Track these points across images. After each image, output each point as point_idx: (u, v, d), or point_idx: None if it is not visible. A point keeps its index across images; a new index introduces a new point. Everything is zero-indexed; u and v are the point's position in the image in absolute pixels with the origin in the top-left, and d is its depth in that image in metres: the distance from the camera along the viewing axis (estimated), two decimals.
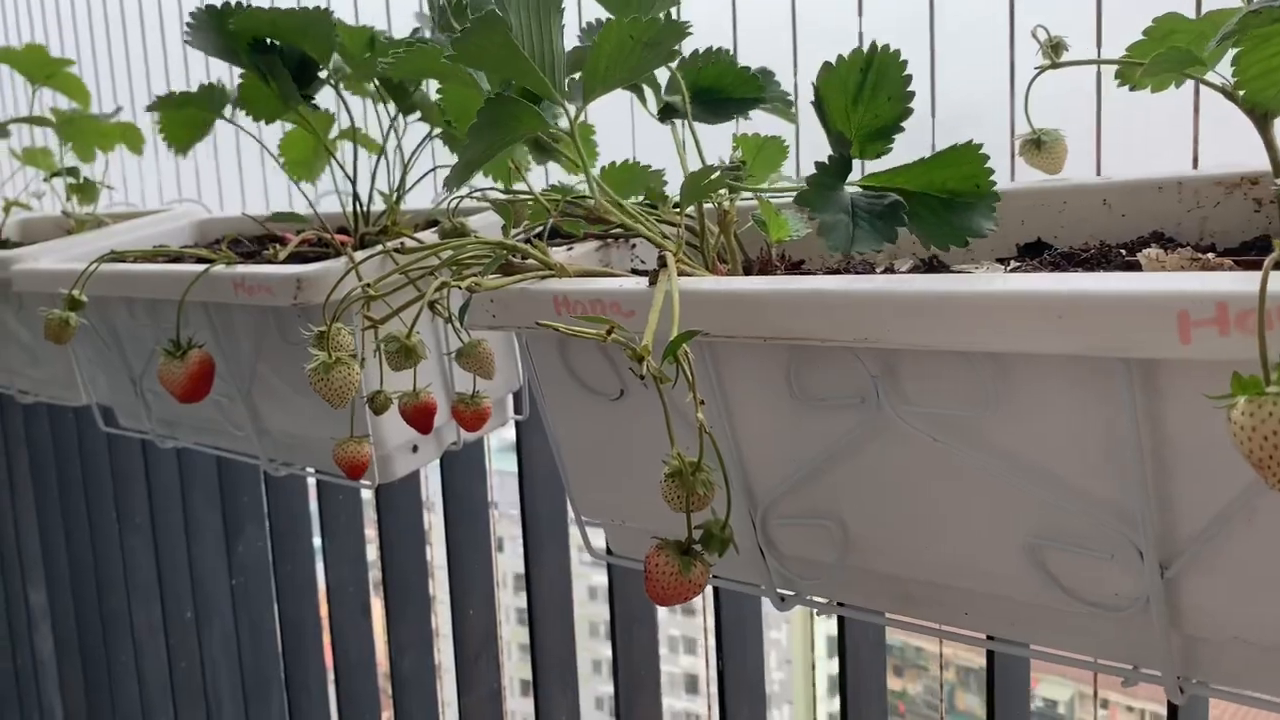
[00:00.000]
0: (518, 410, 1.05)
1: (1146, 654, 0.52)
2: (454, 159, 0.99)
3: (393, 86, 0.91)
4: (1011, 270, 0.61)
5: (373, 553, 1.43)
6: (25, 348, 1.31)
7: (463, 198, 0.85)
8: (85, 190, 1.38)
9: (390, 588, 1.26)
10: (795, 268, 0.71)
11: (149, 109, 0.91)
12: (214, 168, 1.59)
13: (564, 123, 0.60)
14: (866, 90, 0.53)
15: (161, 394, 1.10)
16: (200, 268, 0.88)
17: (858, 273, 0.67)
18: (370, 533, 1.45)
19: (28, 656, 2.13)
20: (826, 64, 0.54)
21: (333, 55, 0.84)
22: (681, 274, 0.58)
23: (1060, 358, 0.47)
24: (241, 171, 1.54)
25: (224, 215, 1.29)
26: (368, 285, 0.68)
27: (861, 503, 0.57)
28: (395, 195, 0.92)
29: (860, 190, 0.55)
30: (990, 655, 0.84)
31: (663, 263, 0.58)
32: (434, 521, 1.40)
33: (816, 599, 0.65)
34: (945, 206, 0.53)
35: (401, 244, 0.70)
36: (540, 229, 0.71)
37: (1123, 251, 0.59)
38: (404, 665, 1.28)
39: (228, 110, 0.93)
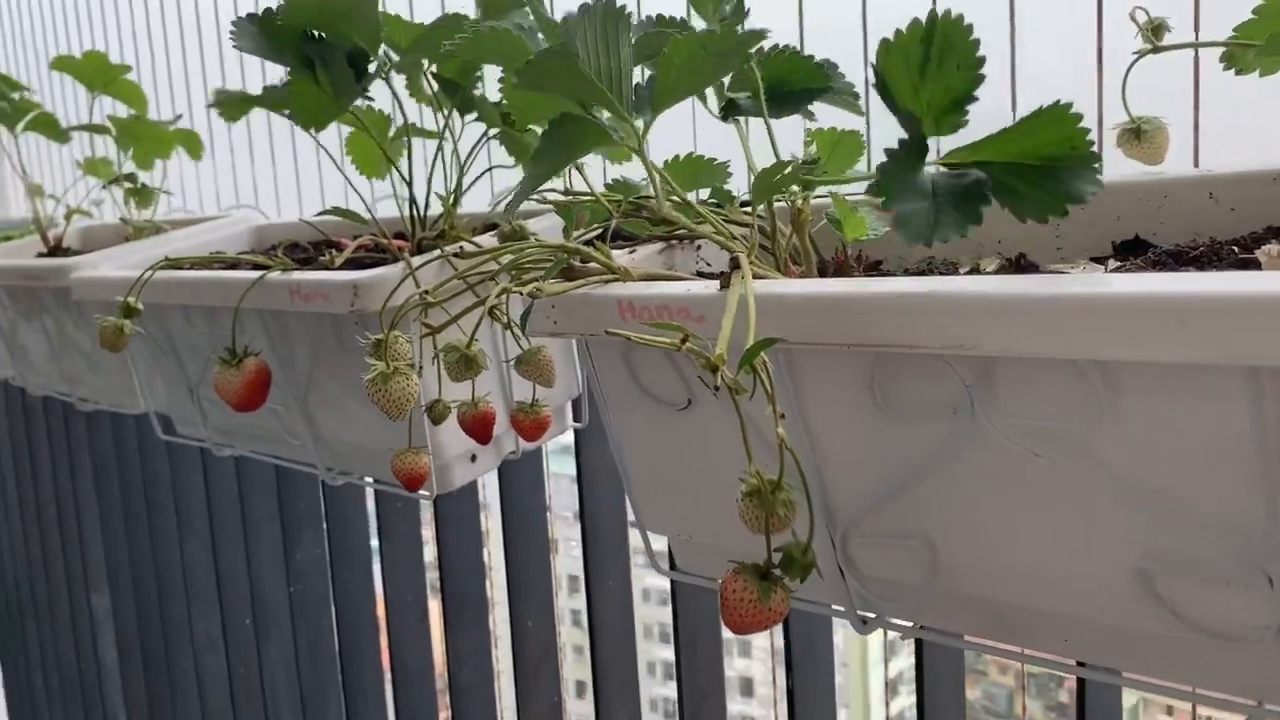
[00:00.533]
0: (576, 417, 1.02)
1: (1272, 687, 0.48)
2: (511, 159, 0.97)
3: (448, 84, 0.89)
4: (1113, 270, 0.57)
5: (430, 553, 1.41)
6: (84, 355, 1.31)
7: (520, 201, 0.82)
8: (143, 196, 1.38)
9: (448, 595, 1.24)
10: (874, 268, 0.67)
11: (210, 106, 0.89)
12: (271, 173, 1.59)
13: (632, 140, 0.57)
14: (932, 62, 0.49)
15: (218, 402, 1.09)
16: (256, 274, 0.86)
17: (941, 274, 0.63)
18: (427, 533, 1.43)
19: (91, 660, 2.15)
20: (885, 41, 0.50)
21: (380, 44, 0.81)
22: (755, 277, 0.55)
23: (1179, 364, 0.43)
24: (298, 176, 1.53)
25: (281, 221, 1.27)
26: (426, 292, 0.65)
27: (952, 521, 0.53)
28: (452, 198, 0.90)
29: (939, 170, 0.51)
30: (1081, 682, 0.79)
31: (735, 265, 0.55)
32: (490, 525, 1.37)
33: (899, 622, 0.61)
34: (1041, 174, 0.49)
35: (460, 248, 0.68)
36: (601, 230, 0.68)
37: (1235, 249, 0.54)
38: (462, 675, 1.25)
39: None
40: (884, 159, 0.49)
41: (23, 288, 1.31)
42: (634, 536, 1.10)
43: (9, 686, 2.59)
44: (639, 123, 0.56)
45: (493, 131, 0.92)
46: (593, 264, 0.64)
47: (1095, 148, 0.48)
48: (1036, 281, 0.45)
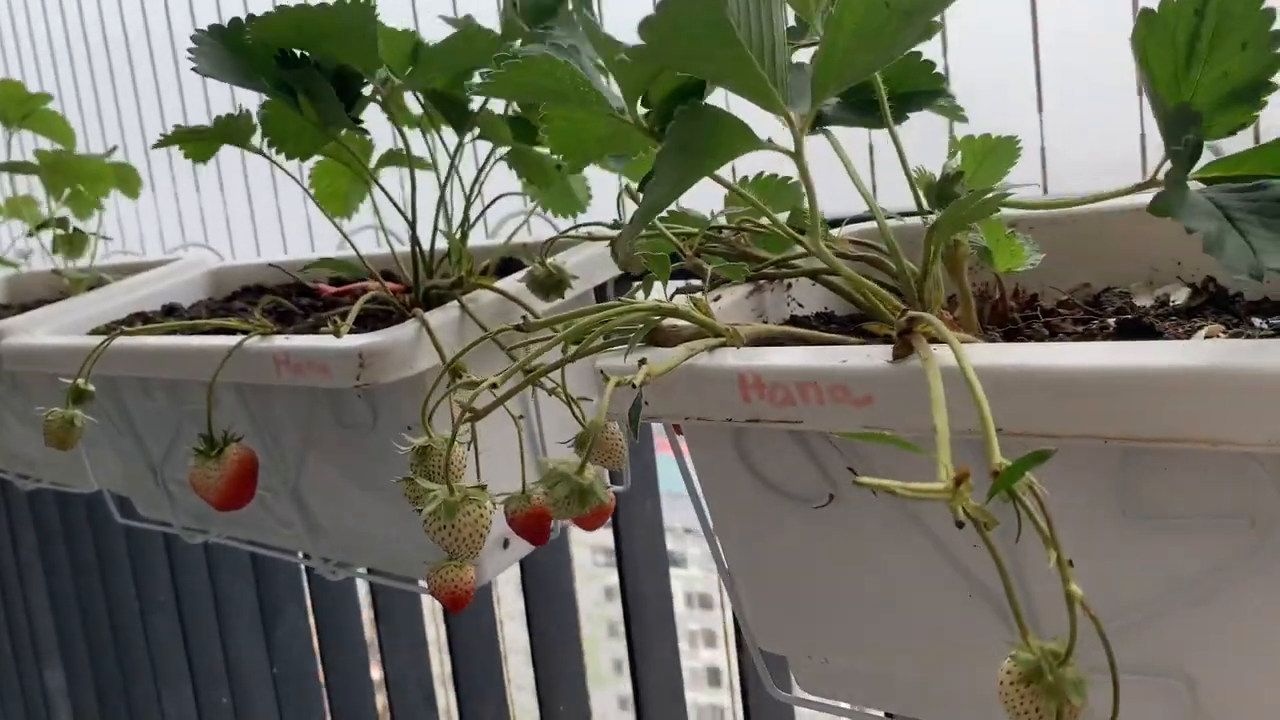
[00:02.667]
0: (614, 480, 0.88)
1: None
2: (522, 184, 0.82)
3: (445, 101, 0.74)
4: None
5: (432, 631, 1.26)
6: (22, 424, 1.13)
7: (557, 238, 0.68)
8: (75, 243, 1.20)
9: (462, 679, 1.09)
10: (1029, 305, 0.53)
11: (157, 146, 0.73)
12: (221, 206, 1.42)
13: (788, 142, 0.43)
14: (1204, 40, 0.36)
15: (187, 484, 0.93)
16: (230, 341, 0.71)
17: (1125, 313, 0.50)
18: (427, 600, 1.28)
19: None
20: (1146, 13, 0.37)
21: (379, 65, 0.66)
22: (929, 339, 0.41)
23: None
24: (252, 208, 1.36)
25: (240, 263, 1.11)
26: (466, 374, 0.51)
27: (1223, 655, 0.40)
28: (460, 233, 0.75)
29: (1207, 185, 0.38)
30: None
31: (910, 325, 0.41)
32: (500, 595, 1.23)
33: None
34: None
35: (524, 319, 0.53)
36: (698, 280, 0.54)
37: None
38: None
39: (255, 139, 0.76)
40: (1163, 162, 0.35)
41: None
42: (680, 609, 0.97)
43: None
44: (797, 117, 0.42)
45: (501, 152, 0.78)
46: (684, 323, 0.50)
47: None
48: None
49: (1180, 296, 0.52)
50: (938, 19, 0.38)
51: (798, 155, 0.43)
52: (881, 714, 0.57)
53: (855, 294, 0.51)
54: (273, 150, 0.68)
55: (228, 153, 1.30)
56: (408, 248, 0.82)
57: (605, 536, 1.04)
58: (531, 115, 0.71)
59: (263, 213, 1.34)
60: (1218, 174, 0.38)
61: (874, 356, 0.42)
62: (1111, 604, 0.41)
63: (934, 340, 0.41)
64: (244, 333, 0.72)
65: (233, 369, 0.71)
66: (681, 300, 0.49)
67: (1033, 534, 0.34)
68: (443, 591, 0.58)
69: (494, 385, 0.48)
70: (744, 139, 0.41)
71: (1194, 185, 0.37)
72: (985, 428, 0.33)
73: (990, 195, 0.40)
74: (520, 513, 0.58)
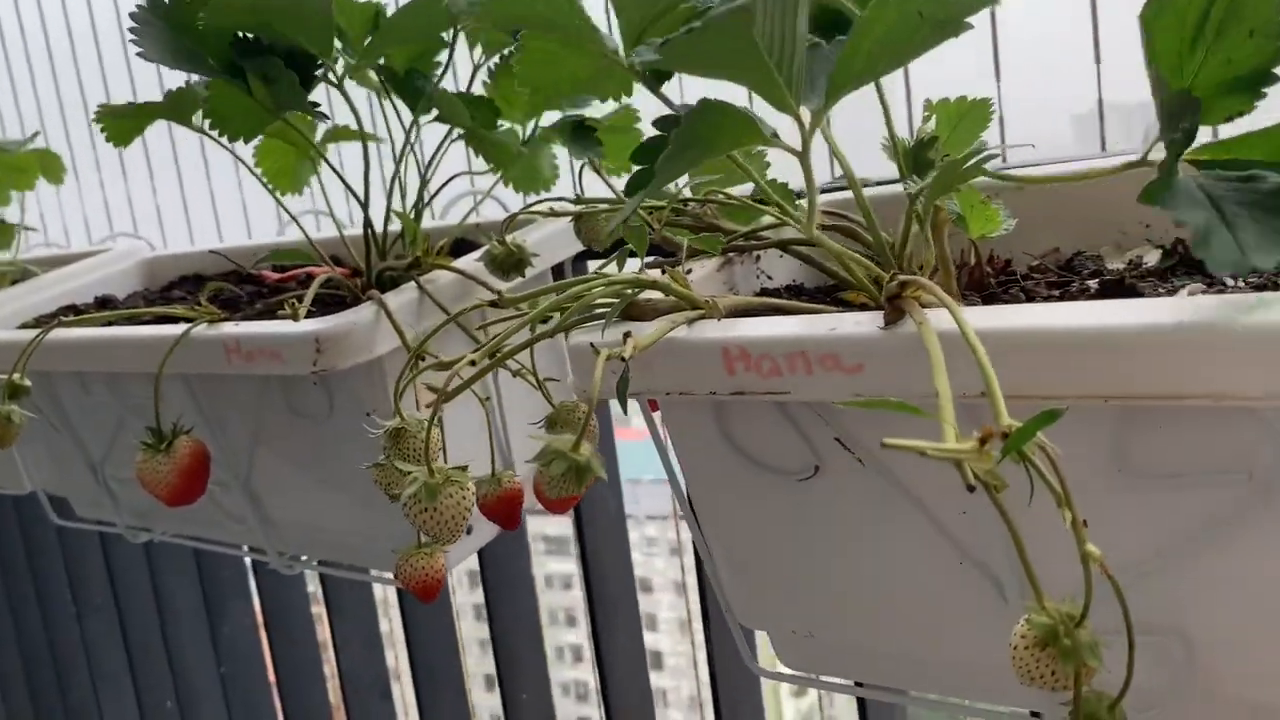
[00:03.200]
0: None
1: None
2: (480, 162, 0.80)
3: (400, 81, 0.72)
4: None
5: (385, 625, 1.23)
6: None
7: (519, 214, 0.66)
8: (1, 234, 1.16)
9: (420, 672, 1.07)
10: (1005, 270, 0.53)
11: (96, 119, 0.70)
12: (150, 194, 1.37)
13: (795, 139, 0.42)
14: (1211, 24, 0.36)
15: (130, 480, 0.89)
16: (176, 330, 0.68)
17: (1103, 275, 0.50)
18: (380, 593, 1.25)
19: None
20: None
21: (333, 45, 0.64)
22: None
23: None
24: (184, 196, 1.32)
25: (175, 251, 1.07)
26: (431, 355, 0.49)
27: (1220, 611, 0.40)
28: (414, 213, 0.73)
29: (1200, 173, 0.38)
30: None
31: (899, 289, 0.40)
32: (453, 584, 1.21)
33: None
34: None
35: (500, 295, 0.51)
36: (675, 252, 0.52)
37: None
38: None
39: (196, 119, 0.73)
40: (1157, 145, 0.35)
41: None
42: (642, 596, 0.96)
43: None
44: (806, 112, 0.41)
45: (457, 133, 0.76)
46: (659, 297, 0.49)
47: None
48: None
49: (1152, 258, 0.52)
50: (970, 20, 0.37)
51: (804, 155, 0.42)
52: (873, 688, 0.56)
53: (829, 265, 0.51)
54: (215, 131, 0.65)
55: (157, 140, 1.25)
56: (353, 231, 0.80)
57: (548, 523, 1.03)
58: (503, 80, 0.69)
59: (195, 200, 1.30)
60: (1209, 157, 0.38)
61: (864, 323, 0.41)
62: (1108, 564, 0.41)
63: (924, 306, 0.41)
64: (189, 321, 0.70)
65: (180, 358, 0.68)
66: (655, 274, 0.48)
67: (1022, 499, 0.34)
68: (413, 580, 0.56)
69: (473, 363, 0.46)
70: (751, 133, 0.40)
71: (1184, 168, 0.37)
72: (991, 389, 0.33)
73: (983, 155, 0.39)
74: (491, 496, 0.56)
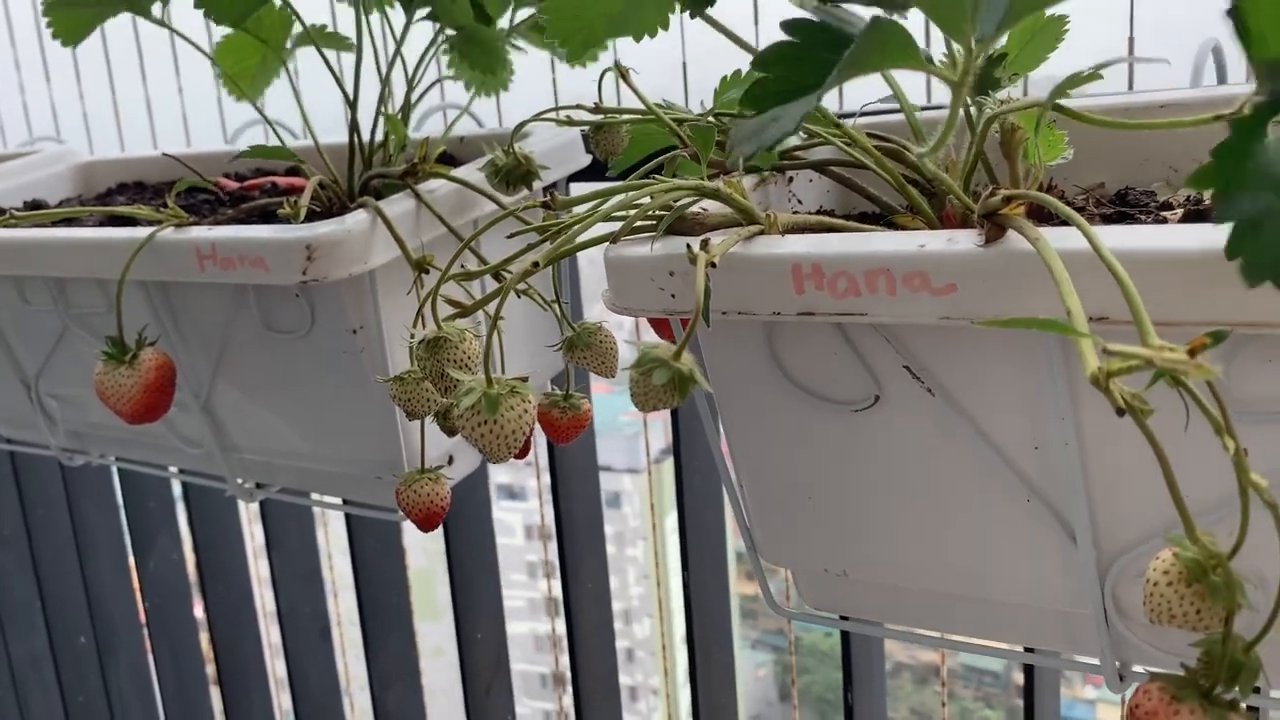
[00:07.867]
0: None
1: None
2: (456, 70, 0.75)
3: None
4: None
5: (325, 567, 1.18)
6: None
7: (530, 120, 0.62)
8: None
9: (367, 609, 1.03)
10: (1064, 201, 0.51)
11: (45, 12, 0.63)
12: (76, 99, 1.28)
13: (959, 63, 0.39)
14: None
15: (68, 398, 0.83)
16: (141, 232, 0.62)
17: (1171, 209, 0.48)
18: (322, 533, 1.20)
19: None
20: None
21: None
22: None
23: None
24: (115, 101, 1.23)
25: (115, 156, 1.00)
26: (432, 264, 0.45)
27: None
28: (402, 117, 0.68)
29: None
30: None
31: (999, 204, 0.38)
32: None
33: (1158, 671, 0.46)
34: None
35: (552, 196, 0.47)
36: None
37: None
38: (389, 698, 1.05)
39: (157, 9, 0.66)
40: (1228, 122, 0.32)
41: None
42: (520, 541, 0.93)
43: None
44: (976, 46, 0.38)
45: (446, 34, 0.70)
46: (712, 210, 0.45)
47: None
48: None
49: (1209, 195, 0.50)
50: None
51: (959, 86, 0.39)
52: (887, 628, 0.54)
53: (868, 190, 0.48)
54: (201, 12, 0.59)
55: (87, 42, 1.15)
56: (306, 141, 0.74)
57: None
58: None
59: (129, 108, 1.21)
60: None
61: (957, 240, 0.38)
62: (1162, 504, 0.39)
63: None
64: (151, 224, 0.64)
65: (144, 264, 0.62)
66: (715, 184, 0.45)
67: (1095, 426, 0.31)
68: (417, 508, 0.52)
69: (502, 275, 0.42)
70: (910, 55, 0.37)
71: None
72: (1136, 310, 0.30)
73: (1108, 61, 0.36)
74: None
